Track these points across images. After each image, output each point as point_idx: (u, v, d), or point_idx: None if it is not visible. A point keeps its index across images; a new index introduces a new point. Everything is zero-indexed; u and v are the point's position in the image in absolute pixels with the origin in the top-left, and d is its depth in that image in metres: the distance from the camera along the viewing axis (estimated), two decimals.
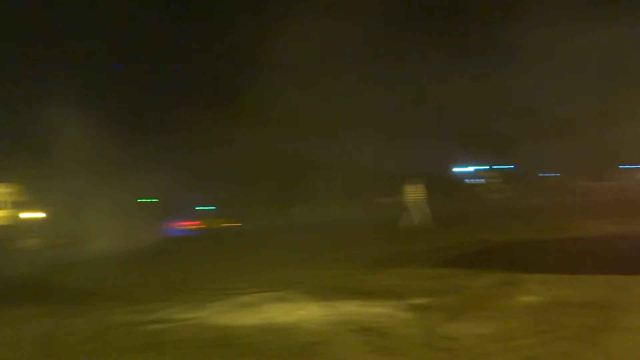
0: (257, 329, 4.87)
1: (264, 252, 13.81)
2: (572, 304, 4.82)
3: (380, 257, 9.98)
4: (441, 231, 14.59)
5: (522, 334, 3.99)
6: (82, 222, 38.47)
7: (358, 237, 16.45)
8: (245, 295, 6.79)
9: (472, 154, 43.79)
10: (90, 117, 31.52)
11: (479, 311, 4.83)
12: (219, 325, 5.18)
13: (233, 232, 30.68)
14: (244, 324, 5.13)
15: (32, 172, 40.50)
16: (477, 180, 46.45)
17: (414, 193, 16.47)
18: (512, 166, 48.06)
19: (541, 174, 46.07)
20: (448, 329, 4.34)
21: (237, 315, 5.58)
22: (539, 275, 6.35)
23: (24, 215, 43.46)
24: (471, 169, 49.53)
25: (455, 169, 50.91)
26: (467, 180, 45.35)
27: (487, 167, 46.19)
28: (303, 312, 5.44)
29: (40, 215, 42.18)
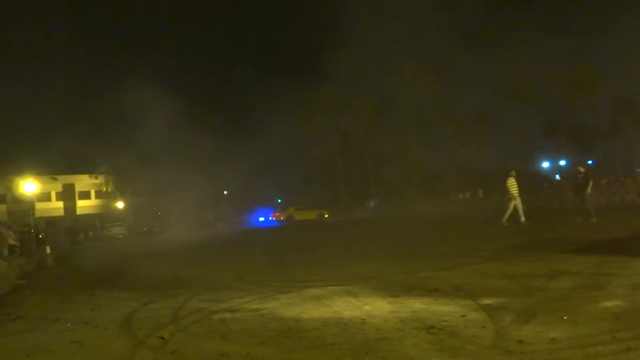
0: (323, 322, 4.88)
1: (340, 245, 13.87)
2: None
3: (462, 254, 9.71)
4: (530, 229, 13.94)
5: (601, 341, 3.70)
6: (164, 213, 40.49)
7: (437, 232, 16.13)
8: (315, 288, 6.84)
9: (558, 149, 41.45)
10: (176, 110, 32.98)
11: (554, 314, 4.54)
12: (286, 317, 5.25)
13: (315, 224, 31.07)
14: (310, 317, 5.16)
15: (118, 164, 43.04)
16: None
17: (516, 187, 15.48)
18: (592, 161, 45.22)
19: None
20: (521, 331, 4.12)
21: (305, 308, 5.63)
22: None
23: (109, 204, 46.47)
24: (562, 162, 46.94)
25: (543, 164, 48.52)
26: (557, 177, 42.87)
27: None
28: (370, 308, 5.39)
29: (122, 205, 44.93)
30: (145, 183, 40.37)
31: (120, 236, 35.29)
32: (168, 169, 37.12)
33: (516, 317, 4.56)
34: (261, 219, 41.23)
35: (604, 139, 47.33)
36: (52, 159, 42.52)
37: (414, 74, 44.89)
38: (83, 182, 52.07)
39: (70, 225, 35.29)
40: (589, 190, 14.73)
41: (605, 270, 6.55)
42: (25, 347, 4.82)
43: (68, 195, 52.62)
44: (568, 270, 6.76)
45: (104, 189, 48.90)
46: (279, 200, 49.88)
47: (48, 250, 15.02)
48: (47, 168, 43.17)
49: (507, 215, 15.29)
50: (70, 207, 51.54)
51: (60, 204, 51.89)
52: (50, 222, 33.09)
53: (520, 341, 3.86)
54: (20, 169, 35.57)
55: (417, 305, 5.33)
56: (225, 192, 47.93)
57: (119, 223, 39.25)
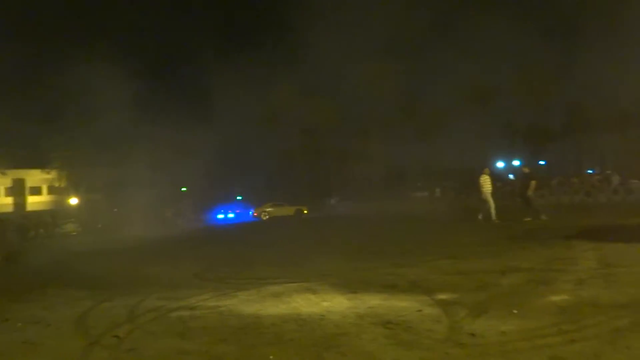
0: (282, 319, 4.92)
1: (301, 242, 13.92)
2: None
3: (416, 251, 9.91)
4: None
5: (547, 333, 3.88)
6: (120, 209, 39.45)
7: (396, 230, 16.40)
8: (274, 285, 6.87)
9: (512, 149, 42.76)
10: (133, 101, 32.09)
11: (505, 308, 4.73)
12: (245, 314, 5.26)
13: (282, 221, 30.90)
14: (269, 314, 5.19)
15: (71, 159, 41.55)
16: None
17: (489, 184, 15.64)
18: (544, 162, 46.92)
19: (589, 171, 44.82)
20: (473, 325, 4.27)
21: (264, 305, 5.65)
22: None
23: (62, 200, 44.81)
24: (516, 163, 48.41)
25: (499, 164, 49.92)
26: (510, 176, 44.23)
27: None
28: (329, 304, 5.46)
29: (76, 201, 43.50)
30: (100, 178, 39.10)
31: (74, 233, 34.21)
32: (125, 164, 36.17)
33: (469, 311, 4.72)
34: (220, 216, 40.71)
35: (556, 141, 49.09)
36: (1, 153, 40.78)
37: (376, 71, 45.38)
38: (34, 177, 50.08)
39: (20, 222, 33.95)
40: (530, 192, 15.19)
41: (553, 267, 6.84)
42: None
43: (18, 190, 50.54)
44: (519, 267, 7.02)
45: (57, 184, 47.12)
46: (239, 198, 49.46)
47: None
48: None
49: (490, 213, 15.44)
50: (20, 203, 49.51)
51: (10, 200, 49.80)
52: None
53: (472, 334, 4.00)
54: None
55: (375, 301, 5.43)
56: (184, 189, 47.13)
57: (73, 220, 37.98)
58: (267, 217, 36.06)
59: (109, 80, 32.13)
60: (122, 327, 5.07)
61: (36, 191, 51.23)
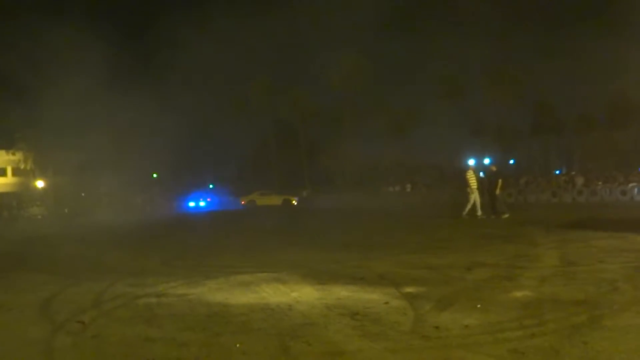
0: (250, 308, 4.93)
1: (272, 232, 13.93)
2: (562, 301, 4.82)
3: (386, 245, 10.04)
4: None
5: (509, 327, 4.00)
6: (88, 194, 38.55)
7: (367, 223, 16.55)
8: (243, 274, 6.87)
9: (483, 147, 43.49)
10: (104, 80, 31.26)
11: (469, 302, 4.85)
12: (213, 302, 5.25)
13: (257, 211, 30.73)
14: (237, 302, 5.19)
15: (37, 141, 40.25)
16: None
17: (474, 180, 15.75)
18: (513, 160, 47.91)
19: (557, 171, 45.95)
20: (438, 318, 4.36)
21: (233, 294, 5.65)
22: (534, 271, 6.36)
23: (28, 183, 43.53)
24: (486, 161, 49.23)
25: (469, 162, 50.62)
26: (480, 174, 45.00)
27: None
28: (298, 294, 5.49)
29: (42, 184, 42.35)
30: (68, 162, 38.07)
31: (39, 217, 33.43)
32: (93, 147, 35.33)
33: (434, 305, 4.82)
34: (192, 204, 40.31)
35: (524, 140, 50.11)
36: None
37: (351, 65, 45.48)
38: None
39: None
40: (497, 190, 15.52)
41: (517, 263, 7.02)
42: None
43: None
44: (485, 262, 7.18)
45: (22, 166, 45.69)
46: (211, 186, 49.04)
47: None
48: None
49: (467, 209, 15.64)
50: None
51: None
52: None
53: (436, 327, 4.09)
54: None
55: (343, 293, 5.49)
56: (154, 175, 46.45)
57: (38, 203, 37.07)
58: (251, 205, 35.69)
59: (77, 58, 31.28)
60: (87, 313, 5.00)
61: (0, 173, 49.74)
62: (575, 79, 42.30)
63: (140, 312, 4.97)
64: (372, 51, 44.86)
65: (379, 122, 46.86)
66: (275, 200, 36.10)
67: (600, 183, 28.83)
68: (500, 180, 15.70)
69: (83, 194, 40.11)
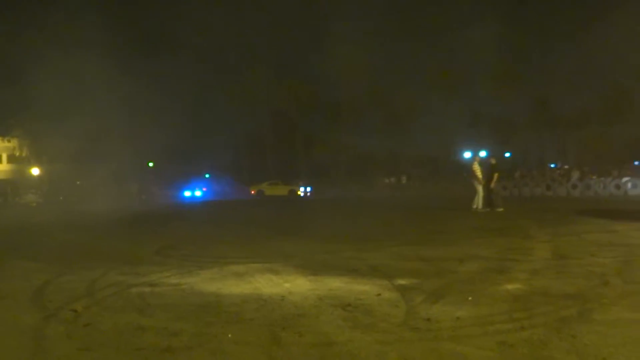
0: (242, 298, 4.95)
1: (267, 223, 13.94)
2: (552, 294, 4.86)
3: (379, 237, 10.07)
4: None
5: (499, 320, 4.03)
6: (83, 182, 38.41)
7: (362, 215, 16.58)
8: (237, 264, 6.88)
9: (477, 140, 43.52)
10: (101, 67, 31.05)
11: (461, 295, 4.88)
12: (206, 292, 5.27)
13: (262, 202, 30.73)
14: (230, 293, 5.21)
15: (33, 128, 39.96)
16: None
17: (479, 172, 15.68)
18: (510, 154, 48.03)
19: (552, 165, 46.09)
20: (429, 310, 4.39)
21: (226, 284, 5.66)
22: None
23: (23, 170, 43.30)
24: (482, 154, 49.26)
25: (465, 154, 50.73)
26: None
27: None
28: (290, 285, 5.52)
29: (37, 171, 42.16)
30: (64, 150, 37.87)
31: (34, 204, 33.34)
32: (90, 135, 35.16)
33: (426, 297, 4.85)
34: (187, 193, 40.27)
35: (520, 133, 50.15)
36: None
37: (346, 57, 45.31)
38: None
39: None
40: (492, 183, 15.55)
41: (510, 256, 7.07)
42: None
43: None
44: (477, 255, 7.23)
45: (18, 153, 45.47)
46: (207, 176, 48.95)
47: None
48: None
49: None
50: None
51: None
52: None
53: (427, 319, 4.11)
54: None
55: (335, 284, 5.51)
56: (150, 164, 46.30)
57: (33, 190, 36.96)
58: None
59: (73, 43, 31.06)
60: (80, 301, 5.01)
61: None
62: (572, 74, 42.27)
63: (133, 301, 4.98)
64: (369, 43, 44.64)
65: (376, 114, 46.86)
66: (282, 190, 36.25)
67: (594, 177, 28.97)
68: (496, 174, 15.75)
69: (78, 182, 40.00)
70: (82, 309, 4.69)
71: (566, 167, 36.92)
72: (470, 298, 4.74)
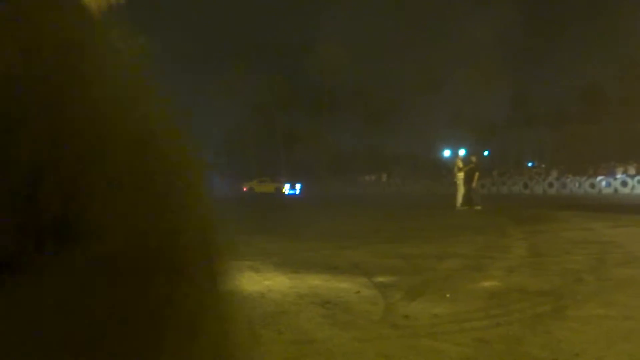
0: None
1: (248, 221, 13.88)
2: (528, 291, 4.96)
3: (360, 234, 10.12)
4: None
5: (476, 317, 4.10)
6: None
7: (343, 212, 16.63)
8: None
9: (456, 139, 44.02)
10: None
11: (439, 292, 4.95)
12: None
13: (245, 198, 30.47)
14: None
15: None
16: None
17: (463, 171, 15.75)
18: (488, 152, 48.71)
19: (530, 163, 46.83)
20: (408, 307, 4.44)
21: None
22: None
23: None
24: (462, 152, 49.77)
25: (445, 153, 51.22)
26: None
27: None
28: (271, 283, 5.52)
29: None
30: None
31: None
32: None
33: (405, 294, 4.90)
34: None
35: (499, 132, 50.87)
36: None
37: (330, 54, 45.38)
38: None
39: None
40: (474, 183, 15.76)
41: (487, 254, 7.18)
42: None
43: None
44: (455, 253, 7.32)
45: None
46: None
47: None
48: None
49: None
50: None
51: None
52: None
53: (406, 316, 4.16)
54: None
55: (316, 282, 5.54)
56: None
57: None
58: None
59: None
60: None
61: None
62: (550, 73, 43.04)
63: None
64: (351, 41, 44.82)
65: (357, 112, 47.07)
66: (270, 188, 36.34)
67: (570, 175, 29.53)
68: (477, 174, 15.95)
69: None
70: None
71: (542, 166, 37.57)
72: (448, 295, 4.81)
